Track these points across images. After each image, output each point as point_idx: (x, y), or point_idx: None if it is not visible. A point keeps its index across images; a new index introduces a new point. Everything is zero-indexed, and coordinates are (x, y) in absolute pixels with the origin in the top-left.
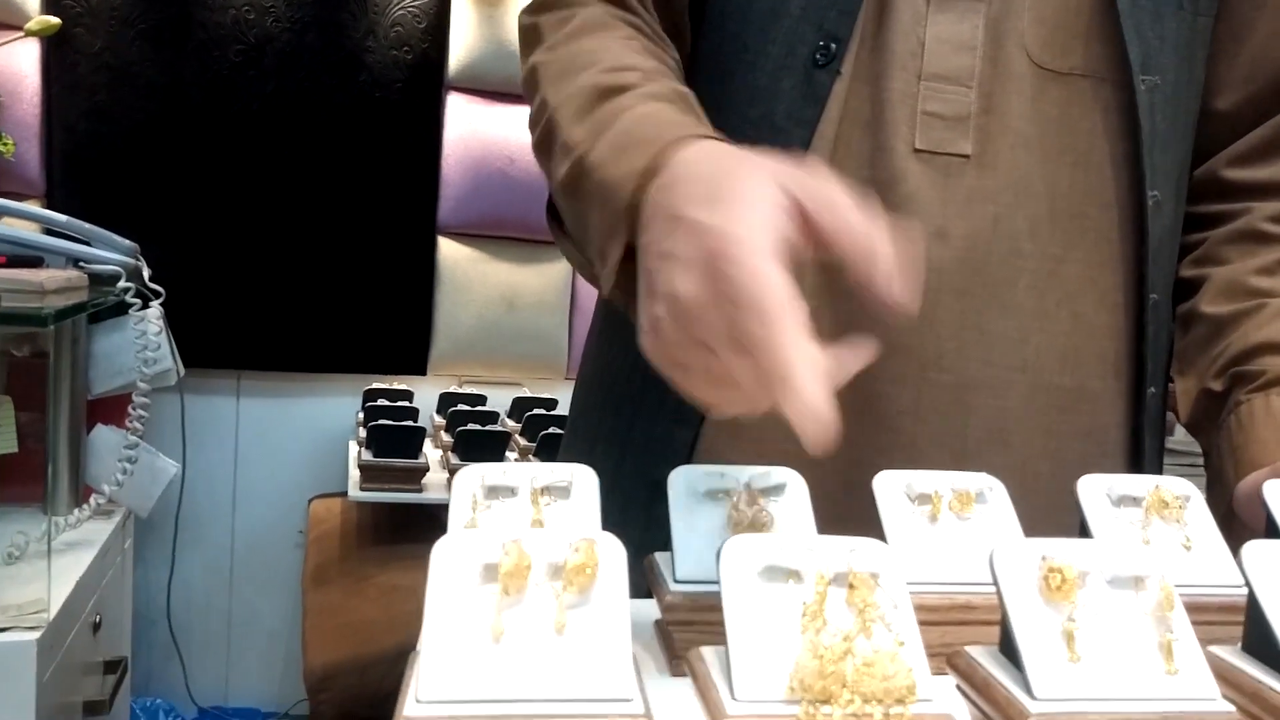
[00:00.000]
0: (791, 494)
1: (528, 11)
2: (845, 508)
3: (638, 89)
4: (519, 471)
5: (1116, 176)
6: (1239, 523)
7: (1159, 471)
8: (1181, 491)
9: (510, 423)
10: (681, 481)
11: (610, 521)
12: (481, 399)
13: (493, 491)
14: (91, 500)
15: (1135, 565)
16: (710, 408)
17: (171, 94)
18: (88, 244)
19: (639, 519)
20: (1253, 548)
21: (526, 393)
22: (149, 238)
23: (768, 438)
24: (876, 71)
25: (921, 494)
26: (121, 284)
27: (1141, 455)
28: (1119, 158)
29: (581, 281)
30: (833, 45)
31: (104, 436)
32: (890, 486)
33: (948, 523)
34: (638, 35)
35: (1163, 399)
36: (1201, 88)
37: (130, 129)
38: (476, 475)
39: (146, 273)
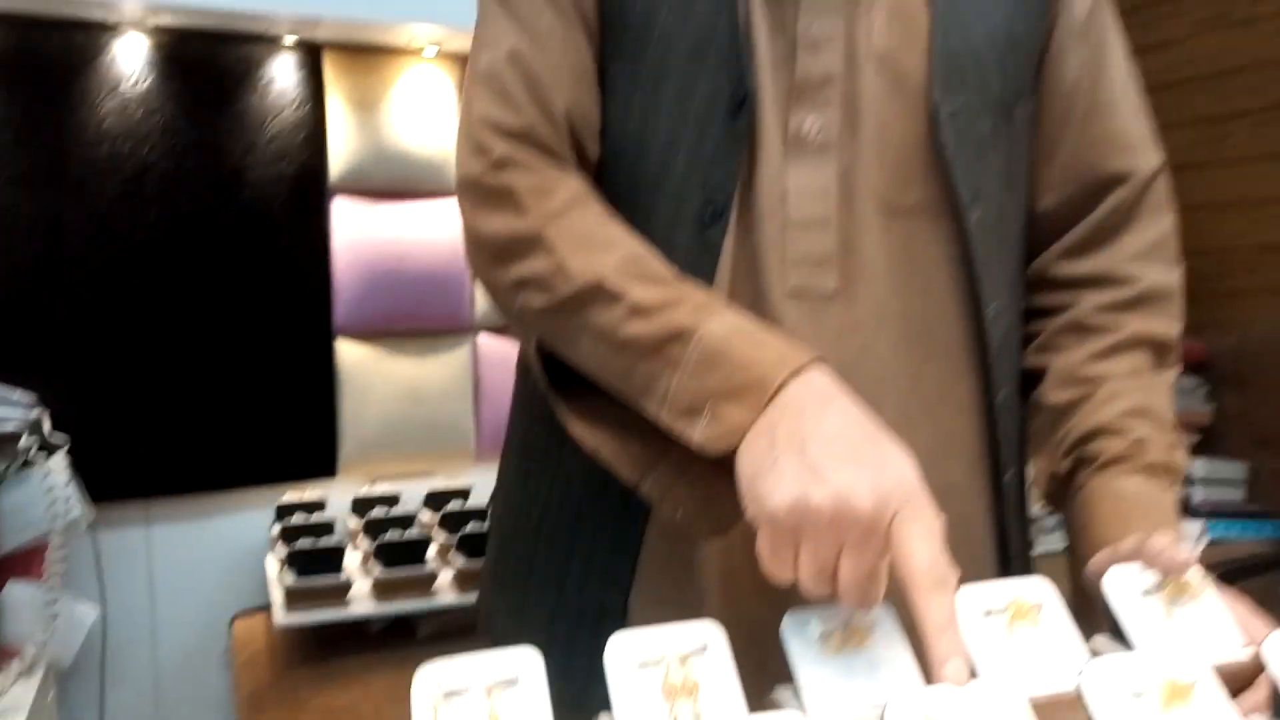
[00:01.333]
0: (714, 653)
1: (490, 167)
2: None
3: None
4: (470, 670)
5: (958, 295)
6: (1090, 600)
7: (1024, 547)
8: (1035, 599)
9: (426, 514)
10: (615, 653)
11: (556, 651)
12: (395, 498)
13: (449, 695)
14: (14, 664)
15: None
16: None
17: (52, 234)
18: None
19: (586, 645)
20: (1094, 666)
21: (440, 482)
22: (44, 380)
23: (706, 554)
24: (749, 222)
25: (824, 631)
26: (24, 441)
27: (1007, 536)
28: (959, 279)
29: (485, 366)
30: (718, 202)
31: (18, 593)
32: (798, 628)
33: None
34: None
35: (1019, 481)
36: (1025, 201)
37: (12, 273)
38: (433, 682)
39: (47, 424)
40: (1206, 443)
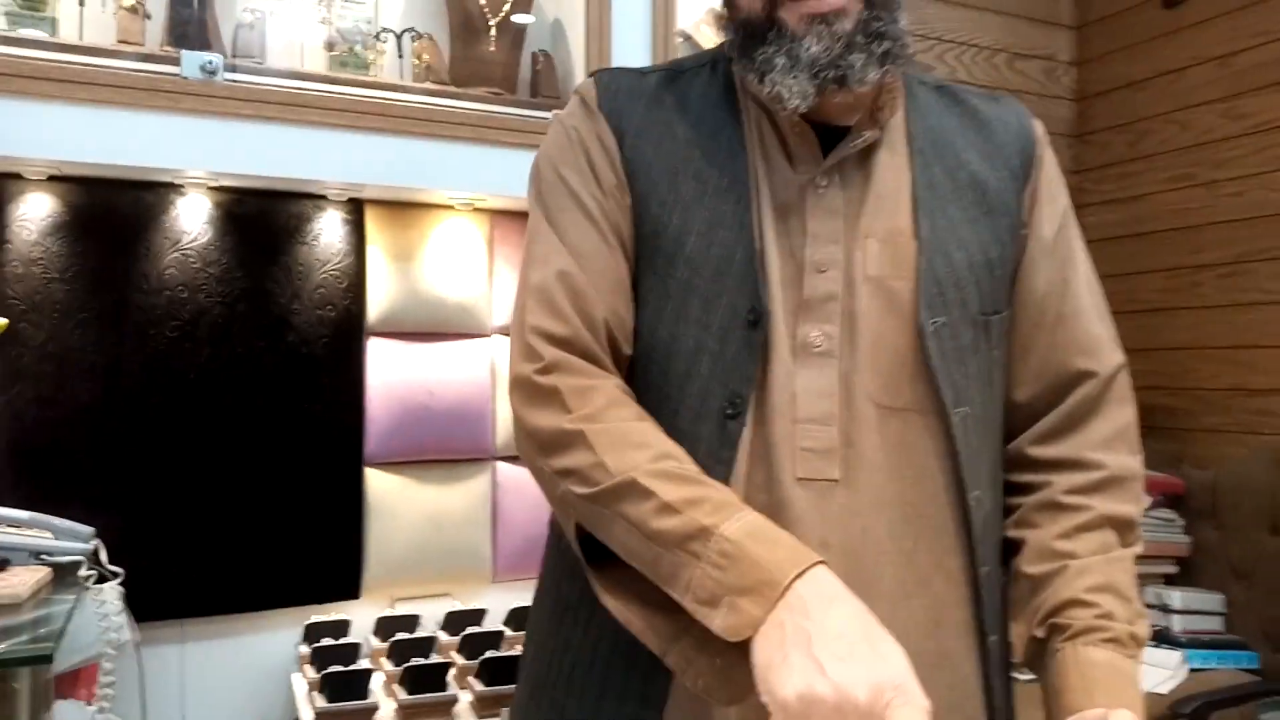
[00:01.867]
0: None
1: (539, 371)
2: None
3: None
4: None
5: (946, 484)
6: None
7: (1007, 703)
8: None
9: (444, 635)
10: None
11: None
12: (415, 619)
13: None
14: None
15: None
16: None
17: (112, 374)
18: (51, 535)
19: None
20: None
21: (457, 604)
22: (101, 511)
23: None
24: (763, 417)
25: None
26: (83, 572)
27: (993, 695)
28: (946, 470)
29: (502, 493)
30: (738, 400)
31: (68, 712)
32: None
33: None
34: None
35: (1002, 644)
36: (1003, 398)
37: (75, 411)
38: None
39: (104, 554)
40: (1184, 574)
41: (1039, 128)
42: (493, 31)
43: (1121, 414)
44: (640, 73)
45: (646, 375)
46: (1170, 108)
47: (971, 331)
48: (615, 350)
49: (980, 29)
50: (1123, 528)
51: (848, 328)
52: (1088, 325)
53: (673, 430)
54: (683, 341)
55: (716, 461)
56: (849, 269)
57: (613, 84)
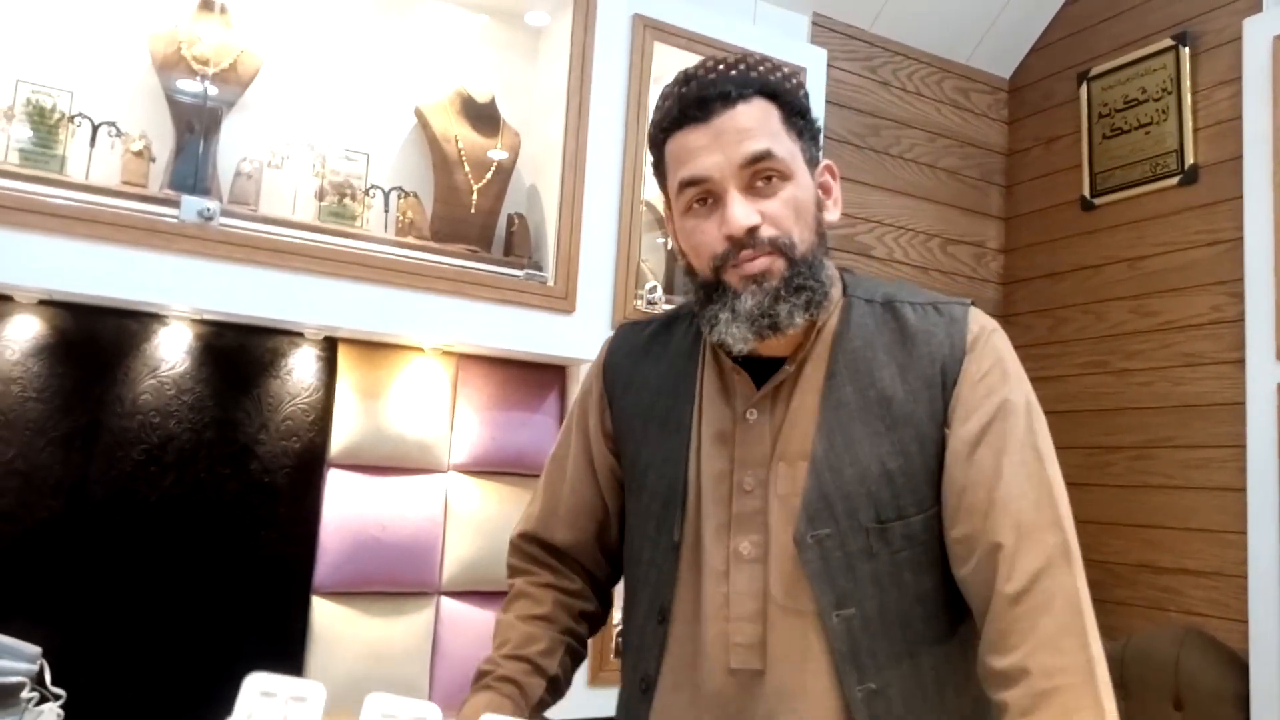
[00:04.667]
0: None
1: (513, 545)
2: None
3: (489, 675)
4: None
5: (833, 678)
6: None
7: None
8: None
9: None
10: None
11: None
12: None
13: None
14: None
15: None
16: None
17: (75, 493)
18: None
19: None
20: None
21: None
22: (43, 625)
23: None
24: (698, 616)
25: None
26: (25, 694)
27: None
28: (833, 666)
29: (444, 627)
30: (664, 609)
31: None
32: None
33: None
34: (547, 599)
35: None
36: (936, 587)
37: (34, 527)
38: (255, 684)
39: (48, 676)
40: None
41: (974, 332)
42: (474, 195)
43: (1057, 609)
44: (645, 324)
45: (626, 578)
46: (1086, 299)
47: (863, 539)
48: (580, 564)
49: (918, 216)
50: None
51: (765, 539)
52: (1013, 520)
53: (631, 627)
54: (640, 555)
55: (652, 656)
56: (769, 487)
57: (618, 347)
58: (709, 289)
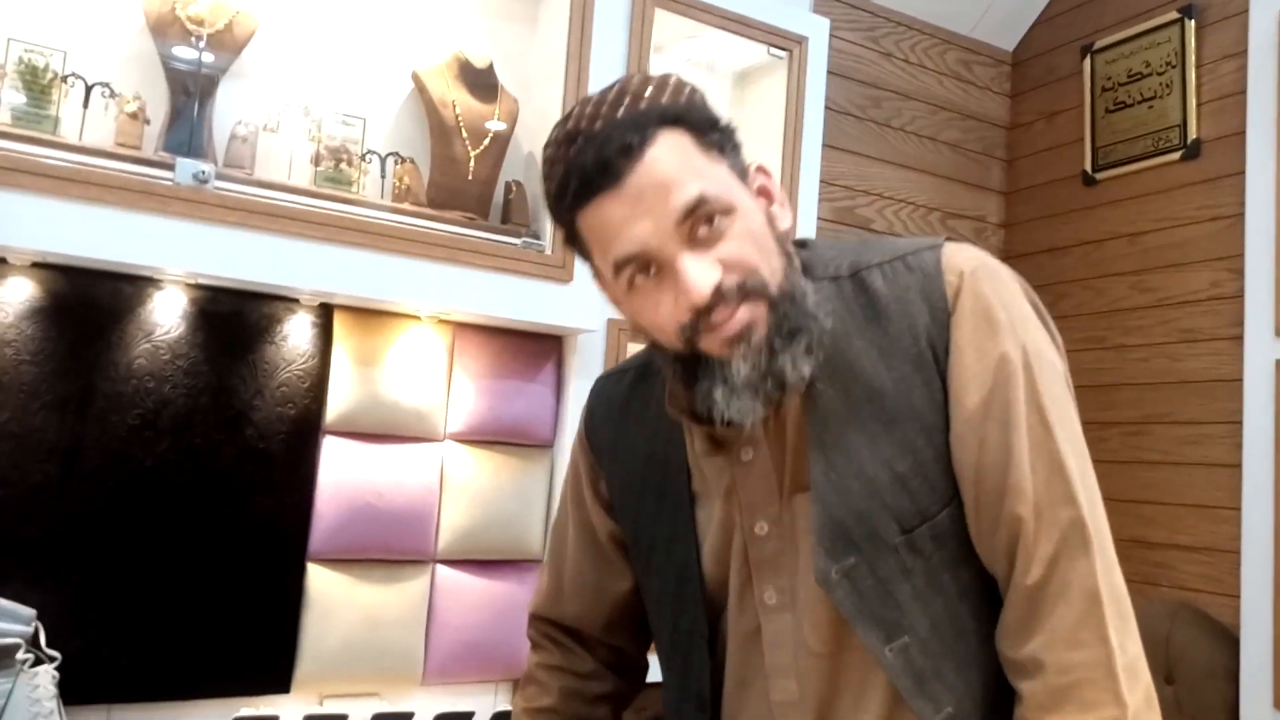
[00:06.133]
0: None
1: (530, 625)
2: None
3: None
4: None
5: (900, 714)
6: None
7: None
8: None
9: None
10: None
11: None
12: (343, 719)
13: None
14: None
15: None
16: None
17: (69, 457)
18: None
19: None
20: None
21: (385, 705)
22: (44, 594)
23: None
24: (735, 691)
25: None
26: (20, 655)
27: None
28: (890, 706)
29: (439, 595)
30: (702, 701)
31: None
32: None
33: None
34: (554, 686)
35: None
36: (979, 582)
37: (27, 490)
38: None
39: (43, 638)
40: None
41: (953, 285)
42: (472, 162)
43: (1073, 597)
44: (620, 375)
45: (657, 653)
46: (1086, 275)
47: (894, 558)
48: (589, 636)
49: (918, 189)
50: None
51: (796, 582)
52: (1029, 492)
53: (669, 708)
54: (662, 636)
55: None
56: (788, 524)
57: (596, 409)
58: (687, 364)
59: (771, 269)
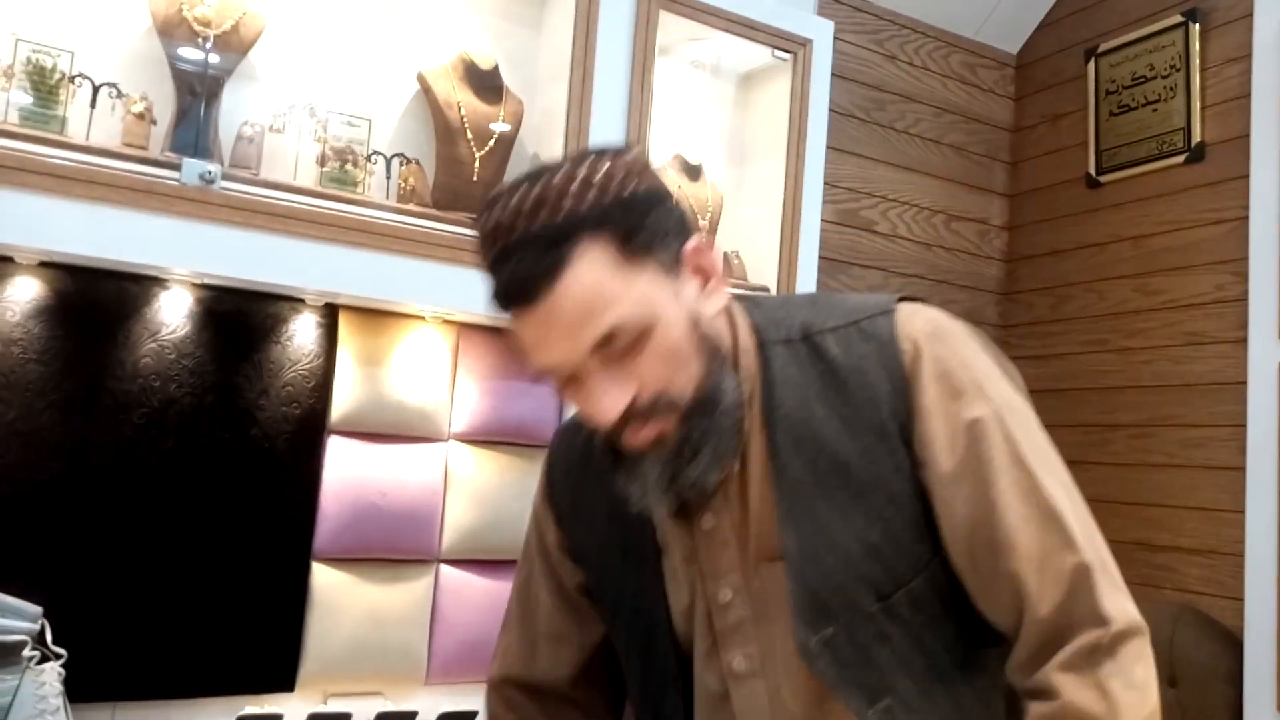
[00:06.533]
0: None
1: (488, 700)
2: None
3: None
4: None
5: None
6: None
7: None
8: None
9: None
10: None
11: None
12: (346, 717)
13: None
14: None
15: None
16: None
17: (76, 455)
18: None
19: None
20: None
21: (389, 704)
22: (44, 585)
23: None
24: None
25: None
26: (27, 652)
27: None
28: None
29: (443, 595)
30: None
31: None
32: None
33: None
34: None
35: None
36: (957, 637)
37: (34, 489)
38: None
39: (49, 635)
40: None
41: (908, 353)
42: (477, 163)
43: (1087, 631)
44: (578, 427)
45: (629, 698)
46: (1089, 278)
47: (872, 626)
48: (567, 699)
49: (922, 191)
50: None
51: (767, 648)
52: (1020, 561)
53: None
54: (635, 693)
55: None
56: (755, 592)
57: (557, 460)
58: (613, 451)
59: (688, 377)
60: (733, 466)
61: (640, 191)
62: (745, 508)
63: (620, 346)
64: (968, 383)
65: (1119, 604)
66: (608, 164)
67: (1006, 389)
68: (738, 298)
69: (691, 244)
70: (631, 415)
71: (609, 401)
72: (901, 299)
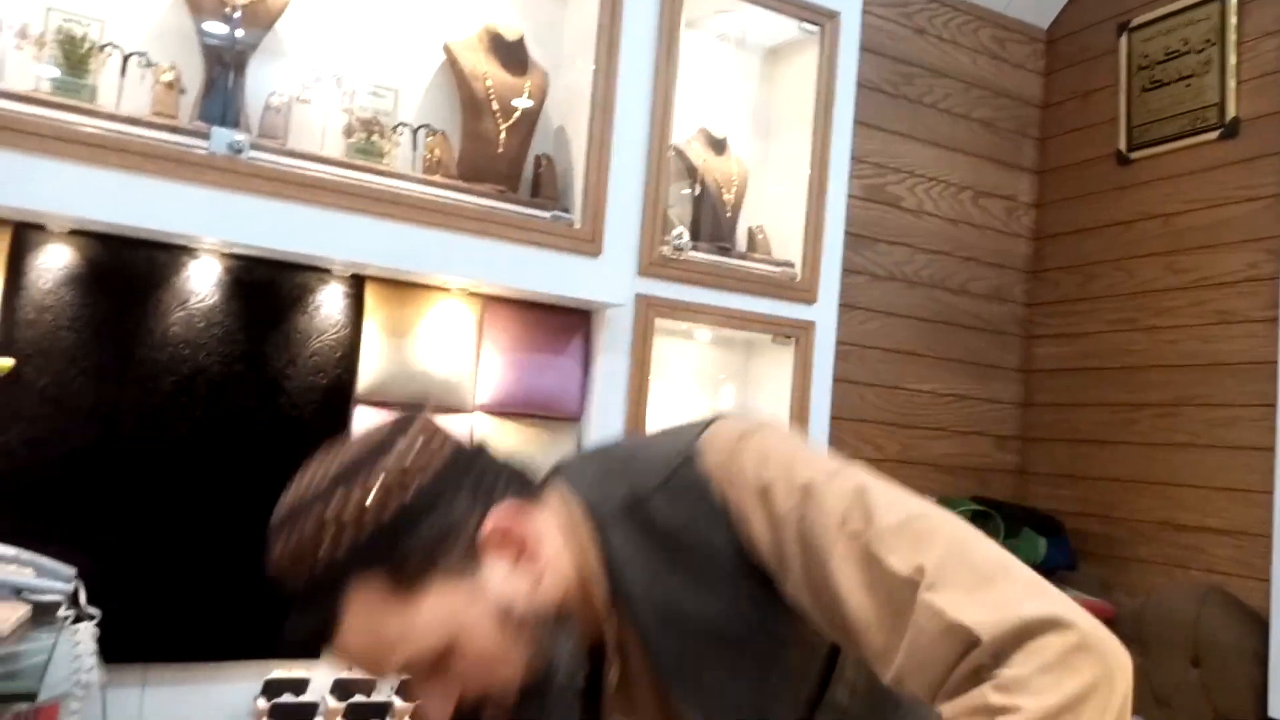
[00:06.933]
0: None
1: None
2: None
3: None
4: None
5: None
6: None
7: None
8: None
9: (399, 702)
10: None
11: None
12: (372, 683)
13: None
14: None
15: None
16: None
17: (107, 422)
18: (34, 572)
19: None
20: None
21: None
22: (84, 553)
23: None
24: None
25: None
26: (62, 612)
27: None
28: None
29: None
30: None
31: None
32: None
33: None
34: None
35: None
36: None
37: (66, 454)
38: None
39: (83, 595)
40: None
41: (719, 490)
42: (502, 135)
43: (964, 660)
44: None
45: None
46: (1117, 255)
47: None
48: None
49: (949, 167)
50: None
51: None
52: (875, 619)
53: None
54: None
55: None
56: None
57: None
58: None
59: (511, 670)
60: (613, 674)
61: (408, 505)
62: (644, 701)
63: (424, 669)
64: (769, 481)
65: (979, 609)
66: (358, 491)
67: (805, 467)
68: (555, 479)
69: (490, 523)
70: (464, 715)
71: (433, 709)
72: (704, 428)
